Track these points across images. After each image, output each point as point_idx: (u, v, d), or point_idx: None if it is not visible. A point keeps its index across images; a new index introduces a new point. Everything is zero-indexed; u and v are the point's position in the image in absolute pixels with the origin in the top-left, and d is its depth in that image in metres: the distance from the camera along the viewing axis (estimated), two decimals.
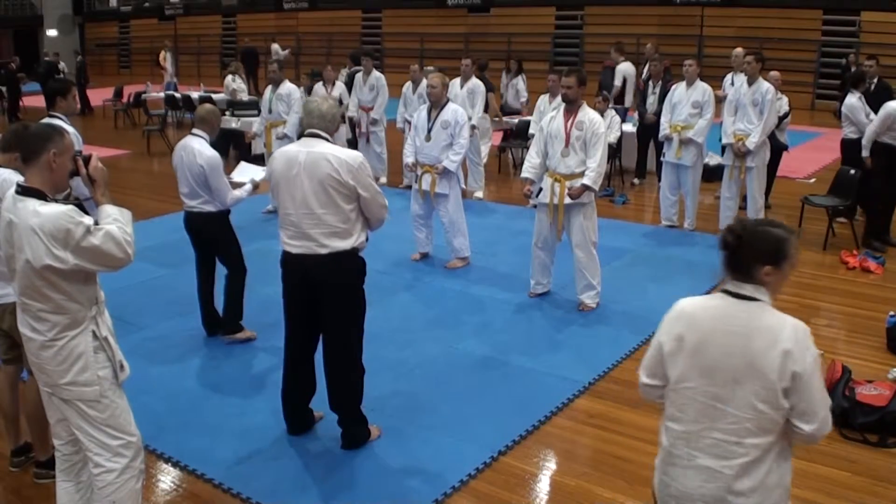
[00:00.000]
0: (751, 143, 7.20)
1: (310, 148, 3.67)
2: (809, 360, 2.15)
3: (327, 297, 3.76)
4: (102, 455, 2.91)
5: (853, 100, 7.77)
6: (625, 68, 11.05)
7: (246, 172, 5.50)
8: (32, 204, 2.69)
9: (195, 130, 5.01)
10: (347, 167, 3.60)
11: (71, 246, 2.66)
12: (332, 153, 3.63)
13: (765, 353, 2.15)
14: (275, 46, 20.79)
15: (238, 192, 5.04)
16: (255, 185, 5.23)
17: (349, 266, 3.76)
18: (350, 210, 3.67)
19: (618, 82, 10.97)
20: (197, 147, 4.89)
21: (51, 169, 2.75)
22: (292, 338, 3.97)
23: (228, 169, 5.35)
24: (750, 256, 2.20)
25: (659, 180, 8.99)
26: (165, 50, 19.23)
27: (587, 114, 5.53)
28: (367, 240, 3.85)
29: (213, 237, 5.11)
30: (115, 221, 2.76)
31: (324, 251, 3.67)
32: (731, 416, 2.20)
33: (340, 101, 10.01)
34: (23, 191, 2.74)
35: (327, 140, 3.73)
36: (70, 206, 2.71)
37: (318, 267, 3.69)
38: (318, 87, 10.13)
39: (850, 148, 8.00)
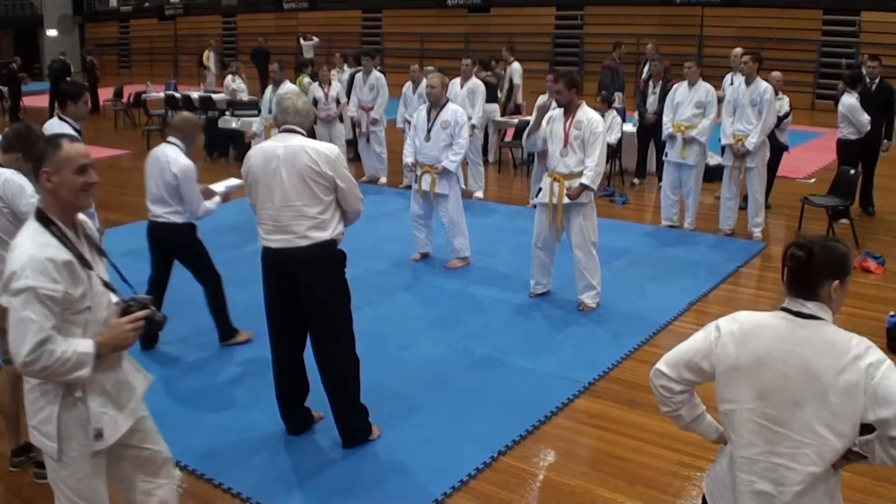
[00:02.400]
0: (749, 143, 7.21)
1: (287, 142, 3.72)
2: (883, 369, 2.06)
3: (310, 288, 3.76)
4: None
5: (852, 100, 7.76)
6: (515, 68, 11.44)
7: (222, 181, 5.31)
8: (31, 228, 2.44)
9: (170, 139, 4.88)
10: (325, 158, 3.66)
11: (4, 289, 2.34)
12: (310, 146, 3.69)
13: (827, 375, 2.07)
14: (304, 43, 20.07)
15: (210, 205, 4.87)
16: (225, 197, 5.05)
17: (329, 255, 3.78)
18: (329, 201, 3.71)
19: (516, 80, 11.32)
20: (172, 155, 4.75)
21: (48, 190, 2.43)
22: (278, 335, 3.97)
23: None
24: (820, 271, 2.12)
25: (659, 180, 8.99)
26: (209, 49, 18.55)
27: (586, 113, 5.54)
28: (342, 232, 3.87)
29: (180, 248, 4.98)
30: (69, 344, 2.36)
31: (304, 243, 3.69)
32: (791, 440, 2.12)
33: (338, 101, 10.02)
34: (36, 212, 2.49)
35: (302, 135, 3.79)
36: (47, 258, 2.32)
37: (299, 259, 3.71)
38: (315, 87, 10.13)
39: (847, 148, 7.98)
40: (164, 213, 4.86)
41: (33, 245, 2.36)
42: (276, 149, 3.71)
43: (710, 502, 2.38)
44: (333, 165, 3.67)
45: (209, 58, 18.15)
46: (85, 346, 2.39)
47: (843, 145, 8.04)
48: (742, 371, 2.18)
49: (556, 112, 5.76)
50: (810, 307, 2.14)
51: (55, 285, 2.33)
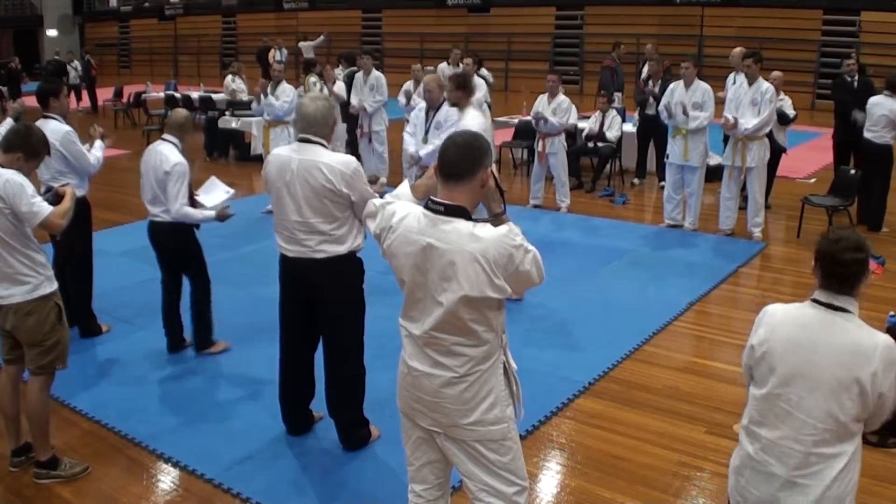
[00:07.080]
0: (744, 127, 7.11)
1: (302, 155, 3.52)
2: (892, 379, 2.18)
3: (325, 299, 3.75)
4: None
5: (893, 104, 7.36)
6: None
7: (213, 190, 5.08)
8: (473, 223, 2.43)
9: (166, 136, 4.76)
10: (341, 175, 3.47)
11: (505, 270, 2.42)
12: (325, 161, 3.48)
13: (850, 365, 2.17)
14: (302, 45, 19.32)
15: (193, 211, 4.68)
16: (222, 217, 4.76)
17: (346, 269, 3.74)
18: (345, 217, 3.61)
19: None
20: (165, 152, 4.63)
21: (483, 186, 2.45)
22: (289, 339, 3.95)
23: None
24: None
25: (659, 180, 8.99)
26: (276, 48, 17.60)
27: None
28: (364, 239, 3.77)
29: (175, 248, 4.87)
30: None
31: (319, 256, 3.64)
32: (810, 425, 2.22)
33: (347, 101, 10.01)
34: None
35: (320, 144, 3.57)
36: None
37: (315, 271, 3.67)
38: (320, 85, 10.13)
39: (878, 152, 7.56)
40: (159, 211, 4.74)
41: (491, 231, 2.40)
42: (290, 161, 3.53)
43: (731, 496, 2.47)
44: (350, 182, 3.48)
45: (274, 57, 17.13)
46: None
47: (877, 149, 7.55)
48: (772, 357, 2.30)
49: None
50: (842, 300, 2.25)
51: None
